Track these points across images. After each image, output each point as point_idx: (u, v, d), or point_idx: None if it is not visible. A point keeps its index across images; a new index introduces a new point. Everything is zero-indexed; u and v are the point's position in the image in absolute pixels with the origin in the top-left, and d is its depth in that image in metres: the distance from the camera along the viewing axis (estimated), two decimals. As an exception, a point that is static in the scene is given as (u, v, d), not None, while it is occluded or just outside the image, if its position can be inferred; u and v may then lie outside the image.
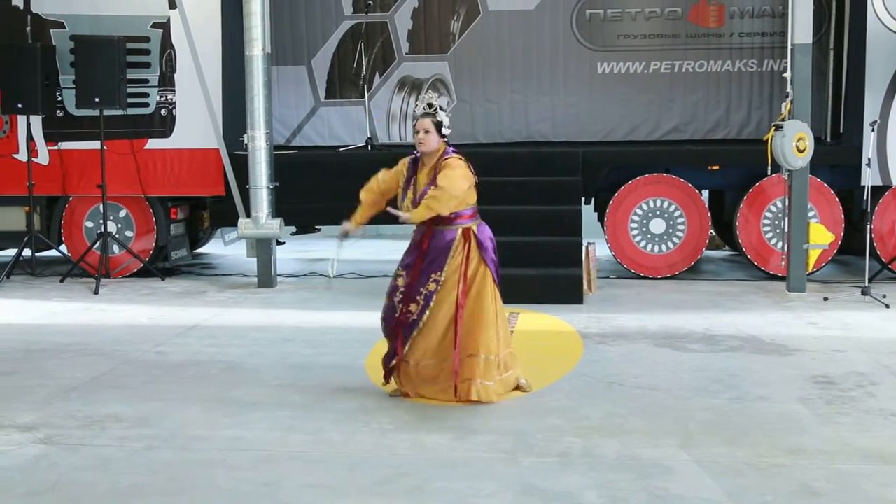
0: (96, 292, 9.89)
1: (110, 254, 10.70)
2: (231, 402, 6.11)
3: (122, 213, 10.93)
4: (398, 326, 6.13)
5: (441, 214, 6.02)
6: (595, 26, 11.49)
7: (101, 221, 10.57)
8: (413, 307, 6.09)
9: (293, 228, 11.44)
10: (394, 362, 6.17)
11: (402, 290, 6.15)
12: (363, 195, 6.43)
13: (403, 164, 6.34)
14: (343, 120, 11.87)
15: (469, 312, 6.07)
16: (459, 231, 6.14)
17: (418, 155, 6.27)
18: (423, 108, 6.20)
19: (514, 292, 8.64)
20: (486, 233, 6.26)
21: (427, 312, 6.07)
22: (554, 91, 11.54)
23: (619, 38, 11.48)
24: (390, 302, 6.21)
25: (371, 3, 11.47)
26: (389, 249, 13.10)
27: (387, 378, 6.25)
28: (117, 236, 10.82)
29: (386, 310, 6.22)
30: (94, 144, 10.48)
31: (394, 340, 6.16)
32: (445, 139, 6.23)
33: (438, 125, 6.16)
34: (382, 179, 6.41)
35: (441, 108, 6.23)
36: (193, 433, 5.49)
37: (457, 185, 6.00)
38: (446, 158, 6.14)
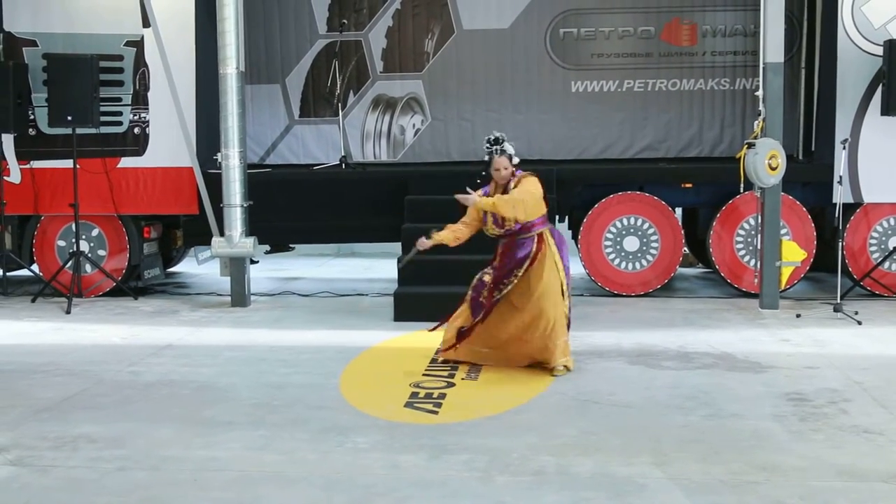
0: (68, 312, 9.82)
1: (82, 273, 10.64)
2: (204, 422, 6.07)
3: (95, 232, 10.87)
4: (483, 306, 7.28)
5: (506, 216, 7.07)
6: (569, 45, 11.55)
7: (74, 240, 10.51)
8: (496, 294, 7.24)
9: (267, 247, 11.42)
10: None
11: (489, 284, 7.27)
12: (462, 226, 7.37)
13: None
14: (317, 138, 11.86)
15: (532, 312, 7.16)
16: (535, 237, 7.16)
17: (487, 191, 7.29)
18: (490, 148, 7.22)
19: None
20: (557, 235, 7.36)
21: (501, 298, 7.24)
22: (528, 109, 11.57)
23: (593, 56, 11.54)
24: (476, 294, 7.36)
25: (345, 21, 11.49)
26: (365, 268, 13.12)
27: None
28: (90, 255, 10.76)
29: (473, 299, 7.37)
30: (67, 163, 10.43)
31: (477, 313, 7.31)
32: (515, 166, 7.28)
33: (510, 158, 7.22)
34: (469, 217, 7.36)
35: (504, 141, 7.22)
36: (166, 454, 5.45)
37: (524, 191, 7.08)
38: (519, 177, 7.21)
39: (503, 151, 7.19)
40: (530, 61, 11.60)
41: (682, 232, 10.72)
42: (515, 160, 7.26)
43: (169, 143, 10.58)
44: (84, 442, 5.65)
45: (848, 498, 4.70)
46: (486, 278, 7.32)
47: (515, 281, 7.17)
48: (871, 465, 5.15)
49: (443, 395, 6.63)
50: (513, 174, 7.23)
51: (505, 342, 7.29)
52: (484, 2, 11.58)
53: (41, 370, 7.42)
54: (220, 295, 10.76)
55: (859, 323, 8.85)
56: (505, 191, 7.19)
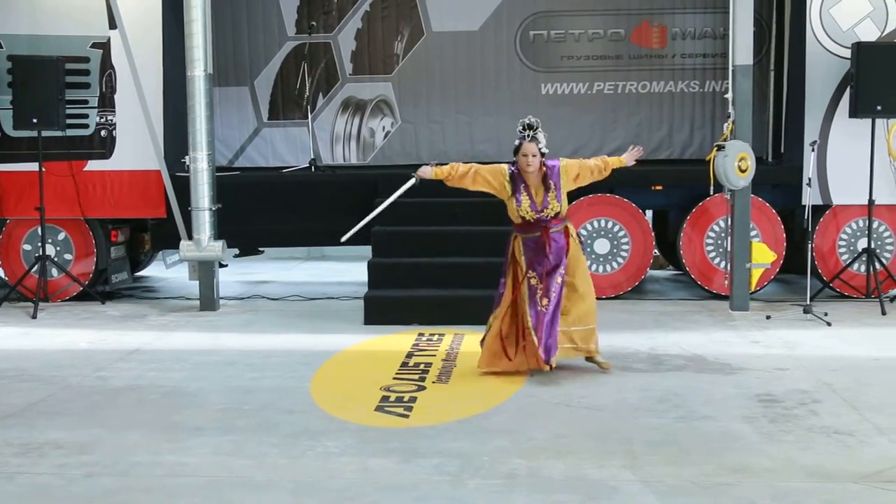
0: (34, 317, 9.71)
1: (49, 277, 10.52)
2: (173, 427, 6.02)
3: (61, 236, 10.76)
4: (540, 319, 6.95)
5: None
6: (539, 47, 11.56)
7: (40, 244, 10.40)
8: (545, 301, 6.97)
9: (236, 250, 11.34)
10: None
11: (540, 289, 7.00)
12: (464, 167, 7.07)
13: (504, 174, 7.07)
14: (286, 141, 11.82)
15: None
16: (563, 231, 7.16)
17: (515, 170, 7.04)
18: (523, 133, 6.98)
19: (461, 313, 8.68)
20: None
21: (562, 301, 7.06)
22: (498, 111, 11.55)
23: (563, 59, 11.56)
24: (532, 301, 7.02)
25: (314, 23, 11.45)
26: (335, 271, 13.07)
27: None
28: (56, 259, 10.64)
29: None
30: (33, 166, 10.30)
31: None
32: (544, 156, 7.05)
33: (541, 149, 6.98)
34: (485, 173, 7.09)
35: (538, 128, 7.00)
36: (135, 459, 5.39)
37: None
38: (565, 165, 7.14)
39: (534, 138, 6.95)
40: (500, 64, 11.61)
41: (653, 234, 10.73)
42: (545, 150, 7.02)
43: (136, 146, 10.48)
44: (51, 448, 5.58)
45: (819, 498, 4.70)
46: (533, 282, 7.06)
47: (565, 262, 7.09)
48: (840, 466, 5.16)
49: (413, 399, 6.60)
50: (542, 165, 7.01)
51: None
52: (453, 4, 11.58)
53: (7, 376, 7.34)
54: (189, 299, 10.67)
55: (829, 324, 8.89)
56: (545, 182, 7.00)
